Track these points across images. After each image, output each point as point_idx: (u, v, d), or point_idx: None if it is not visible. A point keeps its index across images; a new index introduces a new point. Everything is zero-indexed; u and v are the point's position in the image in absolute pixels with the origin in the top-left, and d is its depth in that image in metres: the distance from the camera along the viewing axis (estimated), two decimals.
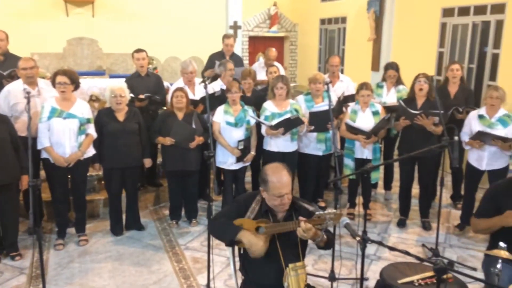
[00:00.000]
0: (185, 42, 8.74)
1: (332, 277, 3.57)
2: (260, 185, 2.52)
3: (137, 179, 4.74)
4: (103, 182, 4.83)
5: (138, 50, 5.28)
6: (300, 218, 2.42)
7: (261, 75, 6.06)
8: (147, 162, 4.66)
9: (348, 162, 4.85)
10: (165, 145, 4.61)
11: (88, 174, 4.55)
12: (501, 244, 2.35)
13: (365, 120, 4.76)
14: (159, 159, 5.40)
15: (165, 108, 5.24)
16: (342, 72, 9.04)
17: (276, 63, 6.13)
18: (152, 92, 5.14)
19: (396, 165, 5.80)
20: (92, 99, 5.52)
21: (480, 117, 4.45)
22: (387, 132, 5.08)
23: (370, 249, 4.33)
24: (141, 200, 5.20)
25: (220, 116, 4.73)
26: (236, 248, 2.69)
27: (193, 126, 4.60)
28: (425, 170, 4.76)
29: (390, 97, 5.38)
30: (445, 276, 2.80)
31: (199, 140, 4.61)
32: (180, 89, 4.69)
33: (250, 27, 10.28)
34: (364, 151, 4.77)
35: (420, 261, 2.04)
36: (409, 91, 4.79)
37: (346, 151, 4.86)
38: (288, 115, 4.61)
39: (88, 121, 4.25)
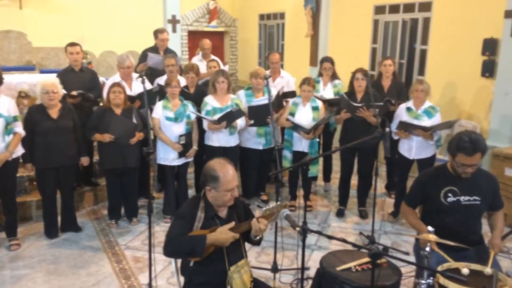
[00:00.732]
0: (121, 35, 8.47)
1: (274, 269, 3.63)
2: (206, 184, 2.47)
3: (72, 179, 4.55)
4: (35, 183, 4.58)
5: (72, 44, 5.05)
6: (257, 214, 2.45)
7: (201, 69, 6.02)
8: (85, 161, 4.49)
9: (287, 154, 4.97)
10: (102, 142, 4.45)
11: (18, 174, 4.30)
12: (429, 228, 2.51)
13: (304, 114, 4.88)
14: (96, 157, 5.21)
15: (101, 104, 5.06)
16: (282, 67, 9.24)
17: (213, 57, 6.11)
18: (87, 88, 4.95)
19: (335, 158, 6.00)
20: (21, 96, 5.20)
21: (408, 109, 4.70)
22: (326, 127, 5.25)
23: (311, 239, 4.46)
24: (77, 200, 4.99)
25: (159, 111, 4.65)
26: None
27: (134, 121, 4.49)
28: (365, 161, 4.93)
29: (327, 92, 5.53)
30: (379, 261, 2.97)
31: (139, 135, 4.51)
32: (117, 84, 4.55)
33: (189, 22, 10.15)
34: (302, 144, 4.89)
35: (356, 248, 2.13)
36: (349, 86, 4.93)
37: (285, 143, 4.99)
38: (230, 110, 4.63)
39: (15, 119, 4.01)
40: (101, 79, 5.53)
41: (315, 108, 4.89)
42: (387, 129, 3.66)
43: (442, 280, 2.54)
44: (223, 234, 2.38)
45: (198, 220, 2.45)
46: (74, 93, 4.78)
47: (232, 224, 2.43)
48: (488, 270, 2.58)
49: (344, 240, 2.16)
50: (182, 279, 2.69)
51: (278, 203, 2.40)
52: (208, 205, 2.51)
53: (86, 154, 4.50)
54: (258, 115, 4.73)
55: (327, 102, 5.14)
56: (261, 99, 4.86)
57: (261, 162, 5.16)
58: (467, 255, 2.92)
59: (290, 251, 4.17)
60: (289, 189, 5.30)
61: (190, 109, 4.69)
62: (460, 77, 5.73)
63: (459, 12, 5.67)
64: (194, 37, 10.30)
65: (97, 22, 8.43)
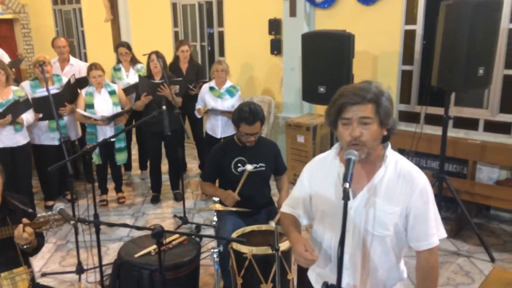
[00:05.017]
0: None
1: (80, 270, 3.40)
2: None
3: None
4: None
5: None
6: (24, 220, 2.16)
7: None
8: None
9: None
10: None
11: None
12: (214, 199, 2.62)
13: (103, 101, 4.64)
14: None
15: None
16: (85, 55, 8.64)
17: None
18: None
19: None
20: None
21: (211, 89, 4.85)
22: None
23: (123, 231, 4.31)
24: None
25: None
26: None
27: None
28: (171, 145, 4.92)
29: (132, 78, 5.34)
30: (181, 239, 3.00)
31: None
32: None
33: None
34: (107, 134, 4.64)
35: (138, 230, 2.08)
36: (146, 70, 4.87)
37: (89, 136, 4.69)
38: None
39: None
40: None
41: (112, 93, 4.69)
42: (164, 107, 3.68)
43: (234, 245, 2.69)
44: None
45: None
46: None
47: None
48: (272, 224, 2.83)
49: (125, 225, 2.09)
50: None
51: (55, 211, 2.18)
52: None
53: None
54: (47, 108, 4.29)
55: (125, 91, 4.97)
56: (49, 89, 4.42)
57: (60, 159, 4.71)
58: (259, 218, 3.16)
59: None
60: (99, 183, 5.00)
61: None
62: (254, 56, 6.13)
63: None
64: None
65: None
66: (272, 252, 2.53)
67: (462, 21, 3.42)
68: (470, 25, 3.39)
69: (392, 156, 1.74)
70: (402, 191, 1.69)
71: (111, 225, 2.08)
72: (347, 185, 1.45)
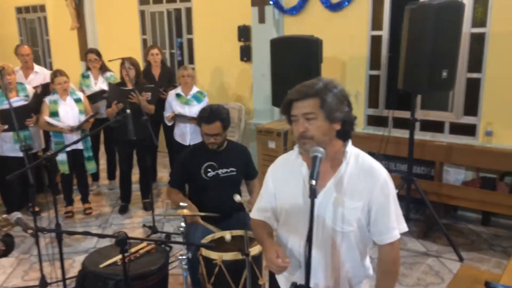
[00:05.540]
0: None
1: (43, 284, 3.25)
2: None
3: None
4: None
5: None
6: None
7: None
8: None
9: (62, 157, 4.52)
10: None
11: None
12: (182, 204, 2.56)
13: (69, 109, 4.52)
14: None
15: None
16: (50, 64, 8.44)
17: None
18: None
19: None
20: None
21: (178, 95, 4.77)
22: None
23: (91, 241, 4.17)
24: None
25: None
26: None
27: None
28: (142, 153, 4.82)
29: (100, 86, 5.23)
30: (149, 248, 2.92)
31: None
32: None
33: None
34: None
35: (100, 237, 2.00)
36: (120, 77, 4.76)
37: (57, 146, 4.53)
38: None
39: None
40: None
41: (77, 100, 4.57)
42: (128, 111, 3.61)
43: (204, 252, 2.63)
44: None
45: None
46: None
47: None
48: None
49: (87, 233, 2.00)
50: None
51: (13, 220, 2.08)
52: None
53: None
54: (12, 119, 4.13)
55: (89, 98, 4.86)
56: (16, 100, 4.29)
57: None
58: (231, 223, 3.11)
59: (65, 260, 3.78)
60: (64, 194, 4.85)
61: None
62: (224, 63, 6.11)
63: (215, 2, 6.02)
64: None
65: None
66: (243, 258, 2.49)
67: (425, 24, 3.49)
68: (433, 28, 3.46)
69: (352, 152, 1.74)
70: (364, 186, 1.69)
71: (71, 233, 1.99)
72: (313, 182, 1.43)
